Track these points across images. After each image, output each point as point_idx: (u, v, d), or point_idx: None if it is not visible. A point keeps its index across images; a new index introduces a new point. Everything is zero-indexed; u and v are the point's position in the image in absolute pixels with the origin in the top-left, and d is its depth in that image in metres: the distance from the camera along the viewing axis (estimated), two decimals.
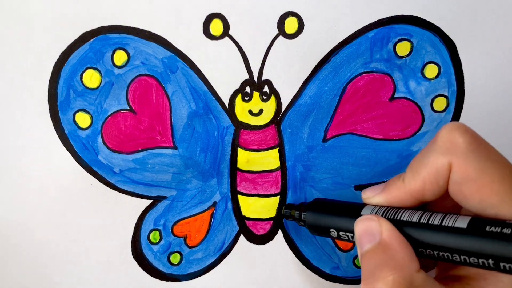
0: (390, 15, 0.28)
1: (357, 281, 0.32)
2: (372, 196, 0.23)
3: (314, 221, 0.26)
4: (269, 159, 0.30)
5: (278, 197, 0.31)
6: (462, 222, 0.19)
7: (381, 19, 0.28)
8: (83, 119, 0.29)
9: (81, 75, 0.28)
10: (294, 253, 0.32)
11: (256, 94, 0.29)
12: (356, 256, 0.32)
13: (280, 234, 0.31)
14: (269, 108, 0.30)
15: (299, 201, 0.31)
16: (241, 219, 0.31)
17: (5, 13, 0.27)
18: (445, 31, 0.29)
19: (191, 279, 0.32)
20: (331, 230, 0.24)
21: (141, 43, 0.28)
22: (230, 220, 0.31)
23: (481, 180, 0.18)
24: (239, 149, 0.30)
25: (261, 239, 0.31)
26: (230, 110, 0.30)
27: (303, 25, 0.28)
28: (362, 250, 0.20)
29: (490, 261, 0.17)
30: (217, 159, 0.30)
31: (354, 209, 0.23)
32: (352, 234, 0.23)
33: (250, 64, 0.29)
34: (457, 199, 0.20)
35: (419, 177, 0.20)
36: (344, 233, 0.23)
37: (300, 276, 0.32)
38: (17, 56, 0.28)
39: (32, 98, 0.28)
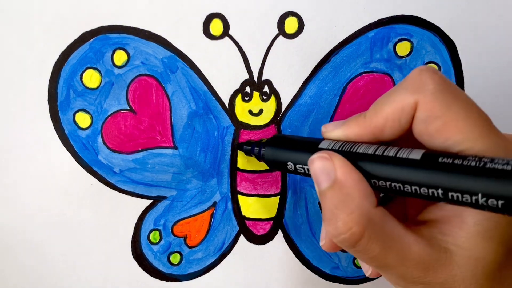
0: (390, 15, 0.28)
1: (357, 281, 0.32)
2: (331, 130, 0.23)
3: (273, 156, 0.25)
4: None
5: (278, 197, 0.31)
6: (416, 154, 0.19)
7: (381, 19, 0.28)
8: (83, 119, 0.29)
9: (81, 75, 0.28)
10: (294, 253, 0.32)
11: (256, 94, 0.29)
12: None
13: (280, 234, 0.31)
14: (269, 108, 0.30)
15: (300, 202, 0.31)
16: (241, 219, 0.31)
17: (5, 13, 0.27)
18: (445, 31, 0.29)
19: (191, 279, 0.32)
20: (288, 163, 0.24)
21: (141, 43, 0.28)
22: (230, 220, 0.31)
23: (446, 117, 0.19)
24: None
25: (261, 239, 0.31)
26: (230, 110, 0.30)
27: (303, 25, 0.28)
28: (320, 189, 0.20)
29: (440, 191, 0.17)
30: (217, 159, 0.30)
31: (312, 144, 0.23)
32: (308, 167, 0.22)
33: (250, 64, 0.29)
34: (421, 138, 0.20)
35: (382, 113, 0.20)
36: (300, 166, 0.23)
37: (300, 276, 0.32)
38: (17, 56, 0.28)
39: (32, 98, 0.28)
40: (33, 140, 0.29)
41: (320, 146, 0.22)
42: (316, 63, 0.29)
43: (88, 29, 0.28)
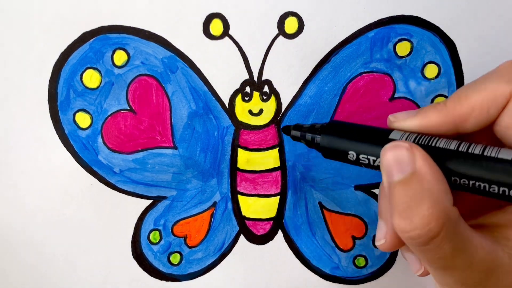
0: (390, 15, 0.28)
1: (357, 281, 0.32)
2: (403, 119, 0.20)
3: (330, 144, 0.23)
4: (269, 159, 0.30)
5: (278, 197, 0.31)
6: (506, 154, 0.17)
7: (381, 19, 0.28)
8: (83, 119, 0.29)
9: (81, 75, 0.28)
10: (294, 253, 0.32)
11: (256, 94, 0.29)
12: (356, 256, 0.32)
13: (280, 234, 0.31)
14: (269, 108, 0.30)
15: (300, 202, 0.31)
16: (241, 219, 0.31)
17: (5, 13, 0.27)
18: (445, 31, 0.29)
19: (191, 279, 0.32)
20: (349, 152, 0.21)
21: (141, 43, 0.28)
22: (230, 220, 0.31)
23: None
24: (239, 149, 0.30)
25: (261, 239, 0.31)
26: (230, 110, 0.30)
27: (303, 25, 0.28)
28: (392, 180, 0.18)
29: None
30: (217, 159, 0.30)
31: (380, 134, 0.21)
32: (374, 158, 0.20)
33: (250, 64, 0.29)
34: (505, 133, 0.19)
35: (469, 101, 0.19)
36: (365, 156, 0.21)
37: (300, 276, 0.32)
38: (17, 56, 0.28)
39: (32, 98, 0.28)
40: (33, 140, 0.29)
41: (391, 136, 0.20)
42: (316, 63, 0.29)
43: (88, 29, 0.28)
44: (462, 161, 0.18)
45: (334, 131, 0.23)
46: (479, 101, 0.19)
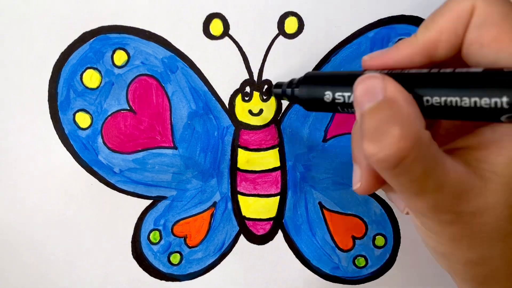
0: (390, 15, 0.28)
1: (357, 281, 0.32)
2: (377, 56, 0.20)
3: (309, 93, 0.23)
4: (269, 159, 0.30)
5: (278, 197, 0.31)
6: (475, 70, 0.17)
7: (381, 19, 0.28)
8: (83, 119, 0.29)
9: (81, 75, 0.28)
10: (294, 253, 0.32)
11: (256, 94, 0.29)
12: (356, 256, 0.32)
13: (280, 234, 0.31)
14: (269, 108, 0.30)
15: (300, 202, 0.31)
16: (241, 219, 0.31)
17: (5, 13, 0.27)
18: None
19: (191, 279, 0.32)
20: (326, 93, 0.21)
21: (141, 43, 0.28)
22: (230, 220, 0.31)
23: (502, 27, 0.18)
24: (239, 149, 0.30)
25: (261, 239, 0.31)
26: (230, 110, 0.30)
27: (303, 25, 0.28)
28: (363, 109, 0.18)
29: (504, 99, 0.16)
30: (217, 159, 0.30)
31: (353, 76, 0.20)
32: (349, 94, 0.20)
33: (250, 64, 0.29)
34: (471, 51, 0.19)
35: (436, 26, 0.19)
36: (340, 94, 0.21)
37: (300, 276, 0.32)
38: (17, 56, 0.28)
39: (32, 98, 0.28)
40: (33, 140, 0.29)
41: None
42: (316, 63, 0.29)
43: (88, 29, 0.28)
44: (433, 80, 0.18)
45: (311, 81, 0.23)
46: (445, 23, 0.19)
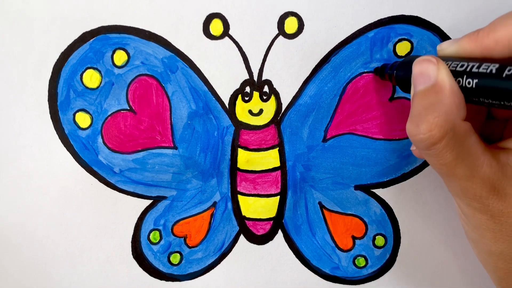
0: (390, 15, 0.28)
1: (357, 281, 0.32)
2: (446, 47, 0.22)
3: (402, 76, 0.25)
4: (269, 159, 0.30)
5: (278, 197, 0.31)
6: None
7: (381, 19, 0.28)
8: (83, 119, 0.29)
9: (81, 75, 0.28)
10: (294, 253, 0.32)
11: (256, 94, 0.29)
12: (356, 256, 0.32)
13: (280, 234, 0.31)
14: (269, 108, 0.30)
15: (300, 202, 0.31)
16: (241, 219, 0.31)
17: (5, 13, 0.28)
18: (445, 31, 0.29)
19: (191, 279, 0.32)
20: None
21: (141, 43, 0.28)
22: (230, 220, 0.31)
23: None
24: (239, 149, 0.30)
25: (261, 239, 0.31)
26: (230, 110, 0.30)
27: (303, 25, 0.28)
28: (415, 90, 0.20)
29: None
30: (217, 159, 0.30)
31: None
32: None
33: (250, 64, 0.29)
34: None
35: (494, 34, 0.20)
36: None
37: (300, 276, 0.32)
38: (17, 56, 0.28)
39: (32, 98, 0.28)
40: (33, 140, 0.29)
41: None
42: (316, 63, 0.29)
43: (88, 29, 0.28)
44: (482, 76, 0.19)
45: (405, 64, 0.24)
46: (502, 36, 0.20)
